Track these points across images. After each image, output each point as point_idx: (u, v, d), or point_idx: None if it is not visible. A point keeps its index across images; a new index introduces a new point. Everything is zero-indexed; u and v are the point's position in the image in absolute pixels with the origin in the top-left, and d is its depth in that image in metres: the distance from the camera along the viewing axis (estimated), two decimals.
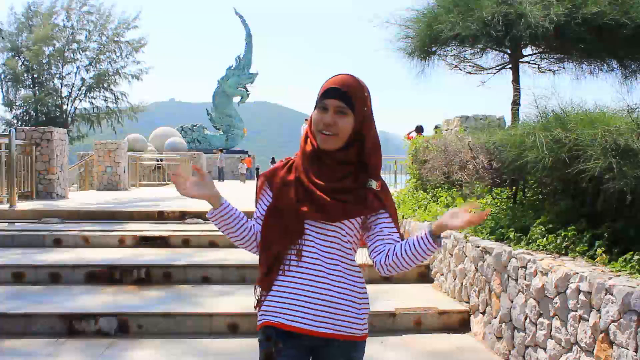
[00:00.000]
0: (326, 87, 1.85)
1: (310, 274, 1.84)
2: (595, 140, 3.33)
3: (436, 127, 13.37)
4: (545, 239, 3.82)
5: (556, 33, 5.75)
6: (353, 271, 1.90)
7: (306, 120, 16.91)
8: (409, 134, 12.79)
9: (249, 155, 34.35)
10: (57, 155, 10.79)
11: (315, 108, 1.88)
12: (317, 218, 1.84)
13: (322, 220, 1.85)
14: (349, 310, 1.86)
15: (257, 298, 1.93)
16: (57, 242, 6.66)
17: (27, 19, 38.80)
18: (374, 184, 1.89)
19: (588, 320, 2.97)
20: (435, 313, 4.64)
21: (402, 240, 1.88)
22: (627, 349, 2.64)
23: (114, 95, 41.15)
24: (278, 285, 1.87)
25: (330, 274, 1.85)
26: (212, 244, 6.64)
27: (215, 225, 1.96)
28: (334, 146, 1.85)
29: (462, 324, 4.65)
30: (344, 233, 1.87)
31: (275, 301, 1.86)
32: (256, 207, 2.00)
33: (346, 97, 1.83)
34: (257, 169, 24.57)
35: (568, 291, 3.16)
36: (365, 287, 1.94)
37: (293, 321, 1.83)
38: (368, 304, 1.95)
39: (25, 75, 38.42)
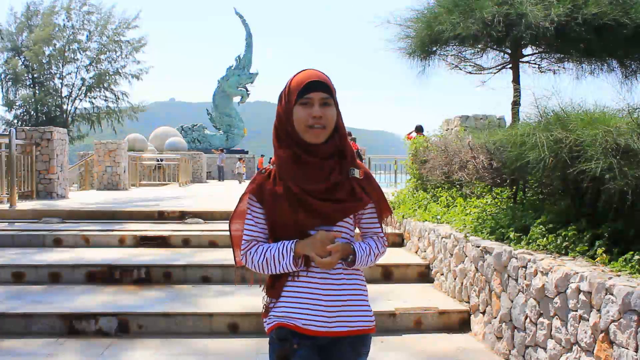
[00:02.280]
0: (304, 81, 1.83)
1: (319, 277, 1.87)
2: (596, 140, 3.33)
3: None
4: (545, 238, 3.82)
5: (556, 33, 5.74)
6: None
7: None
8: (409, 134, 12.78)
9: (262, 155, 34.04)
10: (57, 155, 10.79)
11: (292, 105, 1.83)
12: (317, 225, 1.85)
13: (324, 225, 1.86)
14: (359, 305, 1.91)
15: (265, 306, 1.95)
16: (57, 242, 6.66)
17: (27, 19, 38.81)
18: (356, 173, 1.90)
19: (588, 320, 2.97)
20: (436, 313, 4.63)
21: (381, 228, 1.99)
22: (627, 348, 2.64)
23: (114, 95, 41.21)
24: (287, 291, 1.89)
25: (338, 273, 1.88)
26: (212, 244, 6.64)
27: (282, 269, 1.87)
28: (323, 139, 1.84)
29: (462, 324, 4.65)
30: (343, 230, 1.90)
31: (286, 305, 1.88)
32: (247, 224, 1.91)
33: (327, 88, 1.84)
34: None
35: (568, 291, 3.16)
36: (365, 279, 2.00)
37: (308, 324, 1.85)
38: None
39: (25, 75, 38.43)
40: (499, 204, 5.36)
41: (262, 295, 1.99)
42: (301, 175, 1.84)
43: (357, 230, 2.02)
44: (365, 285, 1.97)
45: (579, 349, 3.06)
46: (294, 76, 1.88)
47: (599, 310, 2.88)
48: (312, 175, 1.84)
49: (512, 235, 4.21)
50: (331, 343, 1.88)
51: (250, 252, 1.90)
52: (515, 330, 3.82)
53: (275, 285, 1.91)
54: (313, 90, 1.81)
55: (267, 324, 1.93)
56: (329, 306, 1.85)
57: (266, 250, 1.87)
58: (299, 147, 1.84)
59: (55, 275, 5.49)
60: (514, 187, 5.22)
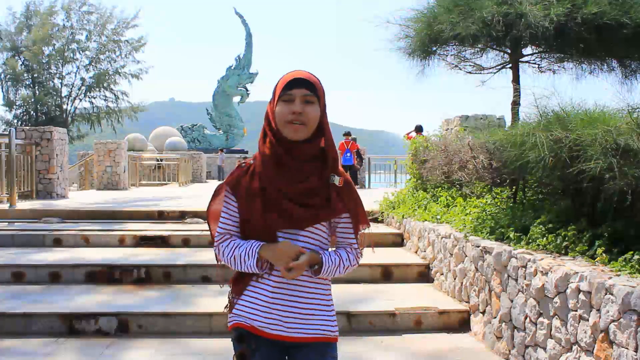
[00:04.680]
0: (288, 79, 1.84)
1: (281, 282, 1.86)
2: (596, 140, 3.33)
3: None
4: (545, 238, 3.82)
5: (556, 33, 5.75)
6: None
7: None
8: (408, 134, 12.78)
9: None
10: (57, 155, 10.79)
11: (275, 102, 1.85)
12: (287, 227, 1.85)
13: (292, 228, 1.85)
14: (320, 313, 1.90)
15: (229, 301, 1.96)
16: (57, 242, 6.66)
17: (26, 19, 38.80)
18: (336, 180, 1.88)
19: (588, 320, 2.97)
20: (435, 313, 4.63)
21: (356, 239, 1.95)
22: (627, 348, 2.64)
23: (114, 95, 41.21)
24: (250, 290, 1.90)
25: (301, 280, 1.87)
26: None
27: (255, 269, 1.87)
28: (303, 136, 1.83)
29: (462, 324, 4.65)
30: (313, 237, 1.89)
31: (246, 305, 1.89)
32: (222, 216, 1.93)
33: (311, 86, 1.84)
34: None
35: (568, 291, 3.16)
36: (331, 287, 1.98)
37: (264, 327, 1.86)
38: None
39: (25, 75, 38.42)
40: (498, 203, 5.36)
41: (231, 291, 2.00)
42: (279, 175, 1.83)
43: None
44: (329, 293, 1.96)
45: (579, 348, 3.06)
46: (282, 76, 1.89)
47: (598, 310, 2.88)
48: (290, 176, 1.83)
49: (512, 235, 4.21)
50: (295, 346, 1.89)
51: (222, 246, 1.92)
52: (515, 330, 3.83)
53: (240, 282, 1.93)
54: (296, 87, 1.82)
55: (229, 322, 1.94)
56: (286, 311, 1.86)
57: (235, 248, 1.88)
58: (280, 146, 1.83)
59: (55, 275, 5.49)
60: (514, 187, 5.22)
